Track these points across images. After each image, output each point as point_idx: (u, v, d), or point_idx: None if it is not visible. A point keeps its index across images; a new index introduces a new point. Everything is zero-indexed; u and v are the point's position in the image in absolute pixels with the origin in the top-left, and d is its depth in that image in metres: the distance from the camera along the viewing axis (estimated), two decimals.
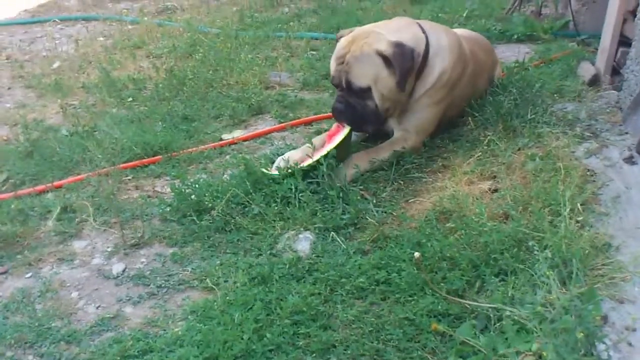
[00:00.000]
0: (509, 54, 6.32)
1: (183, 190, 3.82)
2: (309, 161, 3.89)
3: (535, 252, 2.59)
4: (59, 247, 3.64)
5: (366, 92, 4.07)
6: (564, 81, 5.28)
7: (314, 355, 2.66)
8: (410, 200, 3.81)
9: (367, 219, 3.59)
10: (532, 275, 2.78)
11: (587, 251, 2.95)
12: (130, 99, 5.82)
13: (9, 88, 6.54)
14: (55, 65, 7.10)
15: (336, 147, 3.94)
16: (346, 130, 4.10)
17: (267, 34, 7.52)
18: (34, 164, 4.55)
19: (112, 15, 9.27)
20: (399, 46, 3.99)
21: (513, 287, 2.79)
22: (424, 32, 4.26)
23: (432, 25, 4.46)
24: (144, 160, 4.54)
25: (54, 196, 4.12)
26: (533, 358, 2.30)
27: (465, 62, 4.46)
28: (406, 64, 4.01)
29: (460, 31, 5.11)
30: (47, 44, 7.98)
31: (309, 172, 3.86)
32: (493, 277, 2.90)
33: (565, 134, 4.19)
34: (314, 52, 6.90)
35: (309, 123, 5.11)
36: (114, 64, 6.88)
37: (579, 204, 3.31)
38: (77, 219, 3.87)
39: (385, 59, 3.98)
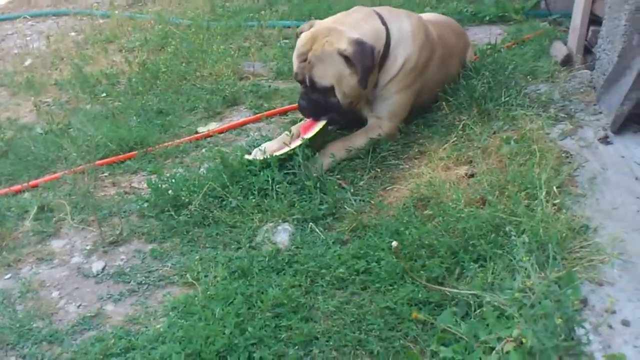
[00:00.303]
0: (481, 35, 6.33)
1: (160, 185, 3.81)
2: (285, 149, 3.89)
3: (513, 237, 2.60)
4: (38, 247, 3.62)
5: (329, 90, 4.07)
6: (536, 62, 5.29)
7: (296, 347, 2.67)
8: (387, 188, 3.83)
9: (345, 208, 3.61)
10: (511, 261, 2.81)
11: (564, 234, 2.95)
12: (104, 94, 5.79)
13: None
14: (27, 62, 7.04)
15: (312, 138, 3.95)
16: (322, 122, 4.12)
17: (239, 24, 7.50)
18: (9, 164, 4.53)
19: (83, 9, 9.19)
20: (359, 44, 3.98)
21: (492, 273, 2.81)
22: (383, 23, 4.25)
23: (393, 13, 4.43)
24: (119, 156, 4.52)
25: (30, 196, 4.10)
26: (514, 344, 2.31)
27: (432, 47, 4.46)
28: (367, 62, 4.01)
29: (429, 15, 5.12)
30: (18, 41, 7.92)
31: (286, 163, 3.87)
32: (472, 263, 2.92)
33: (540, 116, 4.20)
34: (286, 41, 6.87)
35: (284, 113, 5.11)
36: (86, 59, 6.84)
37: (554, 187, 3.31)
38: (54, 218, 3.85)
39: (347, 58, 3.98)
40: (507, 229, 2.87)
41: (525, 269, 2.47)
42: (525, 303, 2.31)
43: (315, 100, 4.13)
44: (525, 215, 3.07)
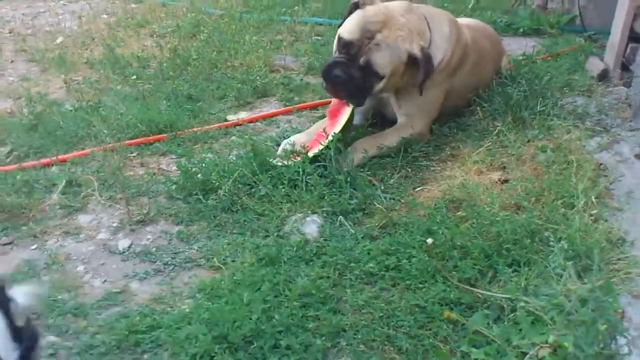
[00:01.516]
0: (515, 47, 6.28)
1: (189, 168, 3.79)
2: (316, 149, 3.85)
3: (551, 243, 2.57)
4: (64, 221, 3.60)
5: (380, 78, 4.03)
6: (572, 75, 5.27)
7: (324, 338, 2.63)
8: (418, 189, 3.78)
9: (375, 204, 3.56)
10: (546, 267, 2.76)
11: (603, 244, 2.92)
12: (134, 76, 5.78)
13: (12, 61, 6.52)
14: (59, 40, 7.07)
15: (341, 130, 3.92)
16: (349, 109, 4.08)
17: (272, 18, 7.52)
18: (38, 137, 4.51)
19: None
20: (426, 55, 4.02)
21: (526, 278, 2.77)
22: (428, 25, 4.26)
23: (434, 15, 4.42)
24: (149, 137, 4.50)
25: (58, 170, 4.09)
26: (549, 350, 2.27)
27: (464, 50, 4.46)
28: (430, 70, 4.05)
29: (466, 21, 5.12)
30: (50, 19, 7.96)
31: (317, 157, 3.83)
32: (506, 267, 2.87)
33: (577, 127, 4.18)
34: (318, 37, 6.88)
35: (315, 107, 5.09)
36: (117, 41, 6.86)
37: (593, 197, 3.29)
38: (82, 194, 3.82)
39: (411, 60, 4.00)
40: (545, 235, 2.83)
41: (562, 276, 2.43)
42: (564, 308, 2.27)
43: (356, 78, 4.00)
44: (562, 223, 3.03)
